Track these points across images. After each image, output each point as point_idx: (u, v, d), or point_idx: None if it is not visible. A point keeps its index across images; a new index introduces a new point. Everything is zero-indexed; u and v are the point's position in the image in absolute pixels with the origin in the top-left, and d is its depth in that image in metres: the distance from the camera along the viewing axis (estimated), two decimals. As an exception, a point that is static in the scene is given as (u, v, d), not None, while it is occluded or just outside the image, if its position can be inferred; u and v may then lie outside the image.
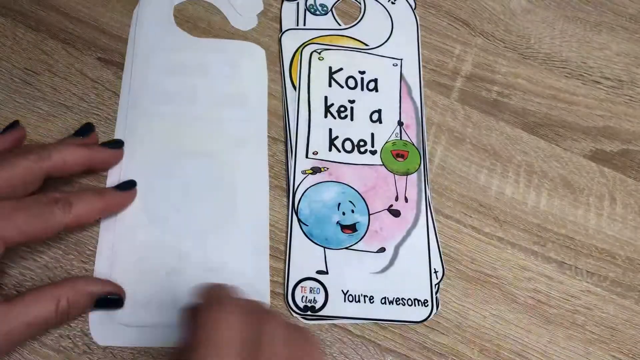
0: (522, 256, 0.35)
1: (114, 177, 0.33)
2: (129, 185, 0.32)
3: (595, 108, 0.40)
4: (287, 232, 0.33)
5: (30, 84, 0.34)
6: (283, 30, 0.39)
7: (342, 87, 0.37)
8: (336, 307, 0.31)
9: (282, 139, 0.36)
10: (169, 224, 0.32)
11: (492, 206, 0.36)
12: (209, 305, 0.22)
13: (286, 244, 0.33)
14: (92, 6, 0.37)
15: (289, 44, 0.38)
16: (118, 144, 0.33)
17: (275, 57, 0.38)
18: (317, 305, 0.31)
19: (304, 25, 0.39)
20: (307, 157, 0.35)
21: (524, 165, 0.37)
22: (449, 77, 0.39)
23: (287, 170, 0.35)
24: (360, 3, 0.41)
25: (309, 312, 0.31)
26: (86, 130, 0.32)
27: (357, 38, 0.39)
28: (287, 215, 0.33)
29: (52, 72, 0.35)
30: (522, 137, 0.38)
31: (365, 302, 0.32)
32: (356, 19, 0.40)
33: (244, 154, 0.35)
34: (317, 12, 0.39)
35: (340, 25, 0.40)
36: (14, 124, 0.31)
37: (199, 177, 0.33)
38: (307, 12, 0.39)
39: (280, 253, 0.33)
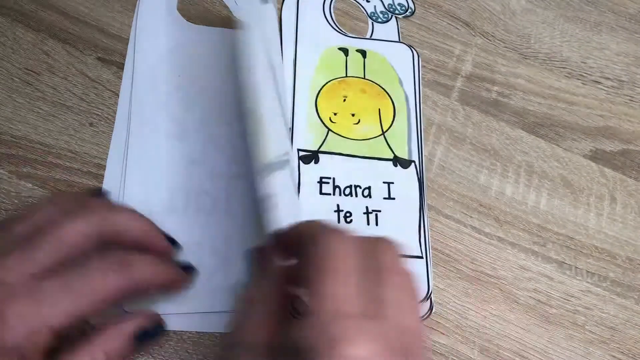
0: (522, 256, 0.35)
1: (115, 179, 0.32)
2: (190, 269, 0.29)
3: (595, 108, 0.40)
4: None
5: (30, 84, 0.34)
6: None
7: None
8: None
9: (282, 139, 0.36)
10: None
11: (492, 206, 0.36)
12: (322, 234, 0.21)
13: None
14: (92, 6, 0.37)
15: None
16: (190, 269, 0.29)
17: (275, 57, 0.38)
18: None
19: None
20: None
21: (524, 165, 0.37)
22: (449, 77, 0.39)
23: (287, 170, 0.35)
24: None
25: None
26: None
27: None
28: (287, 215, 0.33)
29: (52, 72, 0.35)
30: (522, 137, 0.38)
31: None
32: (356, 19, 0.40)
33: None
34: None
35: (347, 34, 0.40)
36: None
37: (204, 178, 0.33)
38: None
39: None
